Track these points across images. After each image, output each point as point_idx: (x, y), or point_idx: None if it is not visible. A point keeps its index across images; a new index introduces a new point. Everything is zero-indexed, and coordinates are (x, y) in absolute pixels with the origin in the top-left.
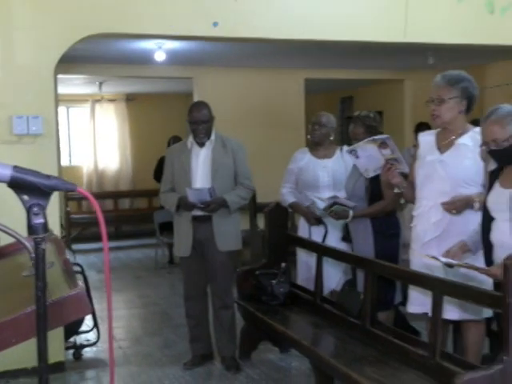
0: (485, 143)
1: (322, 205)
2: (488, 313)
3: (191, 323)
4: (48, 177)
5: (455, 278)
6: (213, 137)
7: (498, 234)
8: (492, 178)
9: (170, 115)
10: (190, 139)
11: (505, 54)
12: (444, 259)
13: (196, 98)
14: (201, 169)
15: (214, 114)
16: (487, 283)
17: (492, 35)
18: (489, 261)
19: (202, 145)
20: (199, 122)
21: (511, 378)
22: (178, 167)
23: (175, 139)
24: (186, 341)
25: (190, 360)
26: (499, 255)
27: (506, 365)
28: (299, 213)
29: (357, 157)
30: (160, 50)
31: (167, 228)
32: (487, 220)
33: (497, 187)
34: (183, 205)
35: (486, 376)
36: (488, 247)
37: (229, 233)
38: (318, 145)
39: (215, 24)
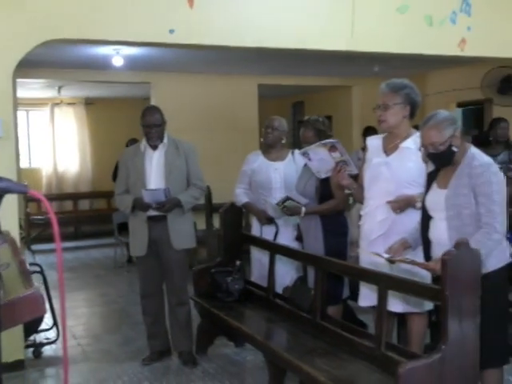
0: (423, 146)
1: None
2: (429, 305)
3: (148, 320)
4: (0, 179)
5: (399, 273)
6: (165, 140)
7: (435, 232)
8: (430, 179)
9: (129, 119)
10: (144, 142)
11: (443, 63)
12: (386, 255)
13: (153, 103)
14: (154, 171)
15: (165, 118)
16: (427, 278)
17: (431, 45)
18: (427, 256)
19: (155, 148)
20: (152, 125)
21: (449, 364)
22: (132, 170)
23: (133, 142)
24: (144, 337)
25: (148, 356)
26: (436, 251)
27: (444, 353)
28: (252, 212)
29: (309, 159)
30: (118, 56)
31: (126, 228)
32: (426, 219)
33: (434, 188)
34: (138, 206)
35: (426, 364)
36: (427, 244)
37: (183, 231)
38: (270, 147)
39: (172, 31)
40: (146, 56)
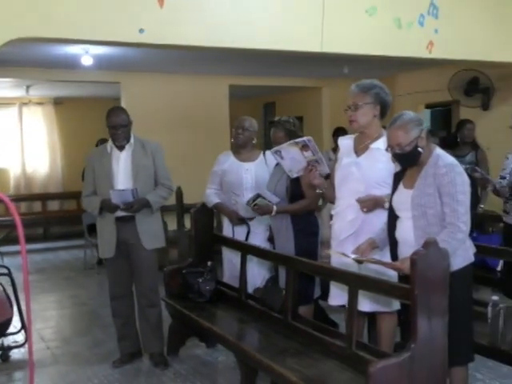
0: (390, 146)
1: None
2: (398, 305)
3: (118, 322)
4: None
5: (367, 273)
6: (132, 140)
7: (402, 231)
8: (396, 179)
9: (99, 119)
10: (110, 143)
11: (412, 65)
12: (354, 256)
13: (123, 103)
14: (122, 172)
15: (131, 118)
16: (394, 277)
17: (400, 48)
18: (394, 256)
19: (121, 148)
20: (118, 126)
21: (419, 363)
22: (99, 171)
23: (103, 142)
24: (114, 340)
25: (118, 358)
26: (403, 251)
27: (414, 352)
28: (223, 213)
29: (281, 157)
30: (87, 55)
31: (95, 229)
32: (393, 218)
33: (401, 188)
34: (106, 207)
35: (396, 363)
36: (393, 243)
37: (152, 231)
38: (241, 148)
39: (142, 30)
40: (115, 55)
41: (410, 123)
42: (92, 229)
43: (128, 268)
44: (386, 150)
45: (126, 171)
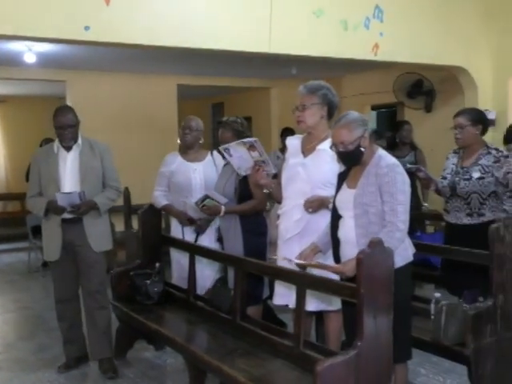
0: (334, 144)
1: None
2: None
3: (64, 326)
4: None
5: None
6: (79, 140)
7: (344, 231)
8: (340, 179)
9: (43, 118)
10: (57, 143)
11: (358, 67)
12: (297, 261)
13: (69, 102)
14: (69, 173)
15: (79, 118)
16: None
17: (346, 50)
18: (337, 256)
19: (68, 149)
20: (65, 126)
21: (365, 360)
22: (45, 172)
23: (48, 141)
24: (60, 344)
25: (64, 363)
26: (345, 251)
27: (360, 349)
28: (172, 215)
29: (230, 155)
30: (30, 52)
31: (40, 231)
32: (335, 218)
33: (344, 188)
34: (52, 209)
35: (343, 361)
36: (336, 244)
37: (101, 233)
38: (188, 148)
39: (87, 28)
40: (60, 53)
41: (354, 123)
42: (36, 231)
43: (74, 270)
44: (330, 148)
45: (73, 173)
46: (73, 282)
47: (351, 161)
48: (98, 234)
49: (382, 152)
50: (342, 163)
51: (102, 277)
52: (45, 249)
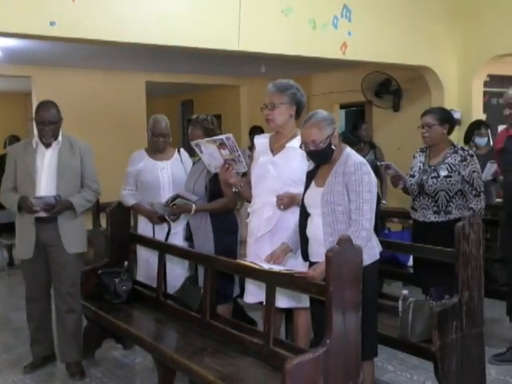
0: (304, 144)
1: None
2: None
3: (32, 326)
4: None
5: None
6: (60, 138)
7: (312, 229)
8: (309, 177)
9: (8, 114)
10: (36, 139)
11: (327, 66)
12: (267, 265)
13: (35, 98)
14: (46, 170)
15: (62, 115)
16: None
17: (315, 48)
18: (305, 254)
19: (48, 145)
20: (46, 122)
21: (333, 358)
22: (21, 167)
23: (13, 139)
24: (26, 344)
25: (30, 363)
26: (314, 248)
27: (329, 347)
28: (141, 213)
29: (201, 151)
30: None
31: (6, 229)
32: (304, 216)
33: (312, 186)
34: (25, 207)
35: (312, 358)
36: (304, 241)
37: (75, 235)
38: (161, 152)
39: (52, 23)
40: (25, 49)
41: (324, 121)
42: (3, 229)
43: (46, 270)
44: (300, 147)
45: (50, 170)
46: (44, 281)
47: (322, 159)
48: (72, 235)
49: (349, 151)
50: (313, 161)
51: (73, 279)
52: (17, 246)
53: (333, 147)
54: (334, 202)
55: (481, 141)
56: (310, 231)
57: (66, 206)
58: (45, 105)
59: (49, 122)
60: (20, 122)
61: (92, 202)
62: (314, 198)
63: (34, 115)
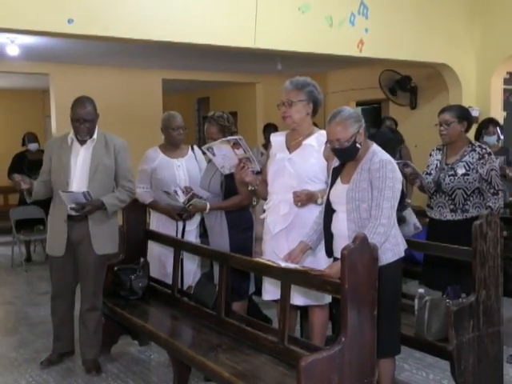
0: (329, 141)
1: (180, 198)
2: (329, 298)
3: (55, 321)
4: None
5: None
6: (95, 135)
7: (337, 225)
8: (335, 174)
9: (26, 111)
10: (71, 135)
11: (343, 63)
12: (284, 263)
13: (53, 95)
14: (79, 168)
15: (98, 112)
16: None
17: (331, 46)
18: (329, 250)
19: (83, 143)
20: (81, 119)
21: (348, 356)
22: (55, 163)
23: (30, 136)
24: (43, 339)
25: (46, 358)
26: (338, 244)
27: (344, 345)
28: (159, 211)
29: (213, 154)
30: (13, 45)
31: (24, 225)
32: (329, 212)
33: (338, 182)
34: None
35: (327, 356)
36: (329, 237)
37: (105, 235)
38: (178, 147)
39: (70, 21)
40: (43, 46)
41: (350, 119)
42: (21, 225)
43: (74, 268)
44: (326, 144)
45: (83, 168)
46: (70, 279)
47: (347, 157)
48: (103, 236)
49: (376, 148)
50: (338, 159)
51: (99, 280)
52: (48, 243)
53: (358, 145)
54: (358, 199)
55: (489, 139)
56: (335, 227)
57: (97, 206)
58: (81, 101)
59: (84, 120)
60: (38, 119)
61: (125, 202)
62: (340, 194)
63: (69, 111)
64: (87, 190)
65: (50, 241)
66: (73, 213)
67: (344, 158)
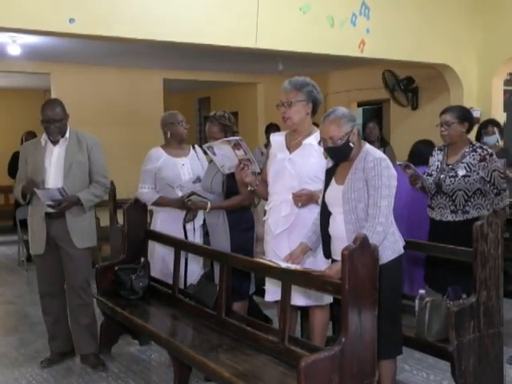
0: (322, 140)
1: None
2: (330, 298)
3: (49, 320)
4: None
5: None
6: (67, 134)
7: (334, 227)
8: (328, 175)
9: (27, 111)
10: (44, 137)
11: (344, 64)
12: (284, 264)
13: (54, 95)
14: (54, 167)
15: (67, 112)
16: None
17: (333, 46)
18: (327, 252)
19: (55, 143)
20: (51, 120)
21: (349, 356)
22: (31, 165)
23: (30, 135)
24: (44, 339)
25: (47, 358)
26: (336, 246)
27: (345, 345)
28: (171, 205)
29: (214, 154)
30: (14, 44)
31: (26, 225)
32: (325, 214)
33: (333, 184)
34: (26, 188)
35: (328, 357)
36: (326, 240)
37: (84, 230)
38: (182, 142)
39: (72, 20)
40: (45, 45)
41: (343, 118)
42: (23, 225)
43: (59, 265)
44: (319, 143)
45: (57, 166)
46: (57, 276)
47: (340, 156)
48: (81, 231)
49: (369, 147)
50: (331, 158)
51: (85, 273)
52: (30, 242)
53: (351, 145)
54: (354, 199)
55: (488, 140)
56: (332, 229)
57: (73, 202)
58: (49, 104)
59: (54, 120)
60: (39, 118)
61: (101, 197)
62: (335, 195)
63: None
64: (62, 187)
65: (31, 239)
66: (50, 210)
67: (337, 157)
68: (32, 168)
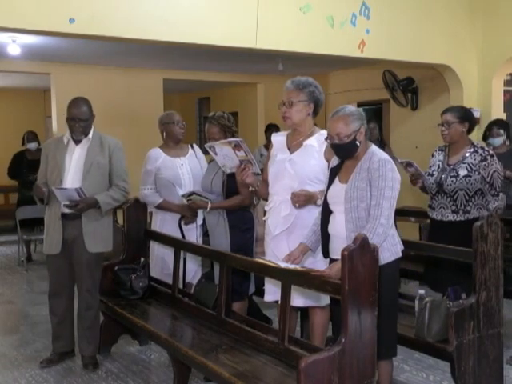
0: (329, 136)
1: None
2: (327, 299)
3: (54, 320)
4: None
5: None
6: (90, 135)
7: (334, 225)
8: (332, 174)
9: (27, 111)
10: (67, 135)
11: (344, 64)
12: (284, 264)
13: (54, 95)
14: (74, 167)
15: (94, 112)
16: None
17: (333, 46)
18: (326, 251)
19: (78, 142)
20: (77, 119)
21: (349, 356)
22: (51, 163)
23: (30, 135)
24: (44, 338)
25: (46, 358)
26: (335, 245)
27: (344, 346)
28: (172, 210)
29: (215, 153)
30: (14, 44)
31: (25, 225)
32: (326, 213)
33: (336, 182)
34: (35, 192)
35: (327, 357)
36: (325, 239)
37: (98, 234)
38: (179, 143)
39: (72, 20)
40: (45, 45)
41: (351, 116)
42: (23, 225)
43: (70, 267)
44: (326, 139)
45: (77, 167)
46: (67, 278)
47: (345, 154)
48: (96, 234)
49: (375, 148)
50: (336, 155)
51: (94, 277)
52: (45, 242)
53: (357, 143)
54: (357, 198)
55: (493, 141)
56: (332, 228)
57: (91, 204)
58: (77, 102)
59: (79, 119)
60: (39, 118)
61: (120, 201)
62: (338, 194)
63: (65, 112)
64: (80, 187)
65: (46, 239)
66: (66, 210)
67: (343, 154)
68: (52, 166)
